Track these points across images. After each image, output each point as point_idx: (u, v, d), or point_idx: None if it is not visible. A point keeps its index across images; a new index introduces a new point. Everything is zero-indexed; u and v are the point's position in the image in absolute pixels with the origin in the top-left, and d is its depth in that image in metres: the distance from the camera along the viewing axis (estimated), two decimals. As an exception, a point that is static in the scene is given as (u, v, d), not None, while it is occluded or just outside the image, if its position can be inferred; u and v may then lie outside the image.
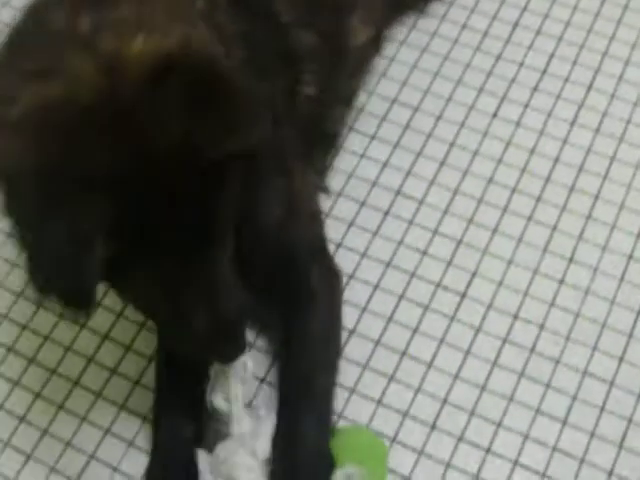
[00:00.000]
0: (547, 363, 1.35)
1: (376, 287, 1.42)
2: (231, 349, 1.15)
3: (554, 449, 1.29)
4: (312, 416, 1.24)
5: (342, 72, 1.44)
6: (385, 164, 1.53)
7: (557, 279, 1.41)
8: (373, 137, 1.56)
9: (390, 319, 1.39)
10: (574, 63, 1.61)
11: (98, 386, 1.38)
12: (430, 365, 1.36)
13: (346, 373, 1.34)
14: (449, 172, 1.52)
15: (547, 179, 1.50)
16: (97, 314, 1.42)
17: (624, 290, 1.40)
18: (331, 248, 1.41)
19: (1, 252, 1.50)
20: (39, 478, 1.32)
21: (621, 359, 1.35)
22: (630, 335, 1.37)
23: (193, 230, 0.98)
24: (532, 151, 1.53)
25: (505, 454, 1.29)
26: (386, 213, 1.49)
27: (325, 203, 1.47)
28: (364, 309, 1.40)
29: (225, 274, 1.07)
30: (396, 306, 1.40)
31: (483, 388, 1.34)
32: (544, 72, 1.61)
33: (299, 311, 1.31)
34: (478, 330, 1.38)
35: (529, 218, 1.47)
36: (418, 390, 1.34)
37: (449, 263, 1.44)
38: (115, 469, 1.31)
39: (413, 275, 1.43)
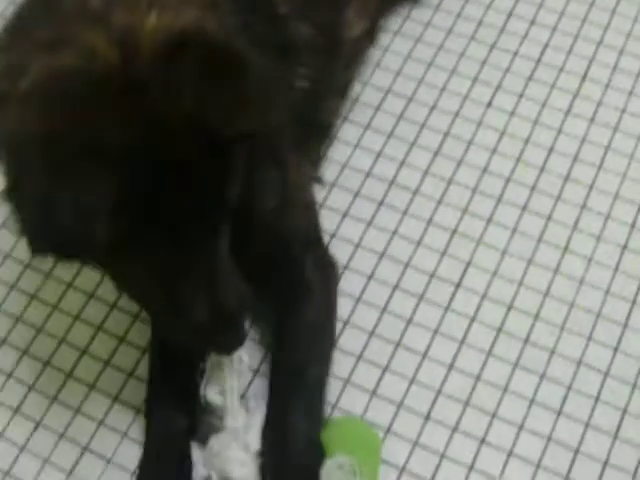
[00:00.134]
0: (542, 353, 1.35)
1: (370, 277, 1.42)
2: (230, 340, 1.14)
3: (549, 439, 1.29)
4: (302, 407, 1.23)
5: (337, 64, 1.44)
6: (379, 154, 1.53)
7: (552, 269, 1.41)
8: (367, 127, 1.56)
9: (384, 310, 1.39)
10: (569, 52, 1.61)
11: (92, 378, 1.37)
12: (424, 356, 1.35)
13: (340, 364, 1.34)
14: (443, 162, 1.51)
15: (542, 169, 1.50)
16: (91, 305, 1.42)
17: (619, 280, 1.40)
18: (325, 239, 1.40)
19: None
20: (33, 470, 1.31)
21: (616, 349, 1.35)
22: (625, 325, 1.36)
23: (195, 214, 0.98)
24: (527, 141, 1.53)
25: (500, 444, 1.29)
26: (380, 203, 1.48)
27: (319, 194, 1.47)
28: (358, 300, 1.40)
29: (225, 262, 1.07)
30: (390, 296, 1.40)
31: (478, 378, 1.33)
32: (539, 61, 1.60)
33: (293, 302, 1.31)
34: (473, 320, 1.38)
35: (524, 208, 1.46)
36: (412, 381, 1.34)
37: (443, 253, 1.43)
38: (109, 461, 1.31)
39: (407, 265, 1.43)
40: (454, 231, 1.45)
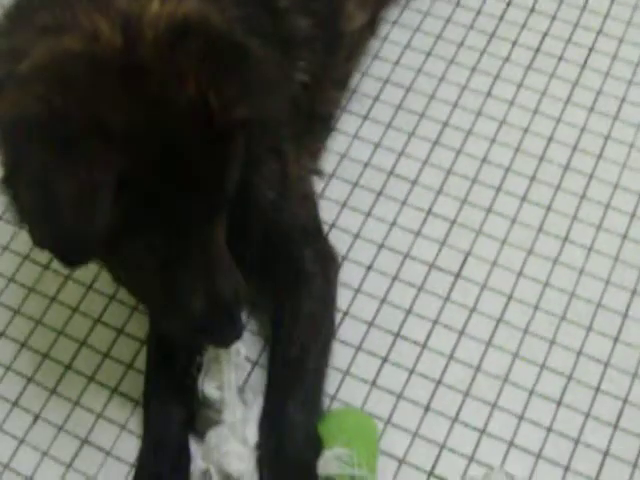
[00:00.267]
0: (542, 343, 1.34)
1: (369, 268, 1.41)
2: (228, 332, 1.13)
3: (549, 430, 1.28)
4: (299, 399, 1.23)
5: (337, 56, 1.44)
6: (378, 145, 1.52)
7: (551, 259, 1.41)
8: (365, 118, 1.55)
9: (384, 300, 1.39)
10: (568, 41, 1.60)
11: (90, 370, 1.37)
12: (424, 346, 1.35)
13: (339, 355, 1.33)
14: (442, 152, 1.51)
15: (541, 158, 1.49)
16: (89, 297, 1.42)
17: (618, 270, 1.39)
18: (324, 229, 1.40)
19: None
20: (32, 463, 1.31)
21: (616, 339, 1.34)
22: (625, 315, 1.36)
23: (194, 201, 0.98)
24: (526, 130, 1.52)
25: (500, 435, 1.28)
26: (379, 194, 1.48)
27: (318, 184, 1.46)
28: (357, 290, 1.40)
29: (223, 253, 1.07)
30: (390, 287, 1.40)
31: (477, 369, 1.33)
32: (538, 51, 1.60)
33: (292, 293, 1.31)
34: (472, 311, 1.37)
35: (523, 198, 1.46)
36: (412, 371, 1.33)
37: (443, 243, 1.43)
38: (108, 453, 1.31)
39: (407, 256, 1.42)
40: (453, 221, 1.45)
